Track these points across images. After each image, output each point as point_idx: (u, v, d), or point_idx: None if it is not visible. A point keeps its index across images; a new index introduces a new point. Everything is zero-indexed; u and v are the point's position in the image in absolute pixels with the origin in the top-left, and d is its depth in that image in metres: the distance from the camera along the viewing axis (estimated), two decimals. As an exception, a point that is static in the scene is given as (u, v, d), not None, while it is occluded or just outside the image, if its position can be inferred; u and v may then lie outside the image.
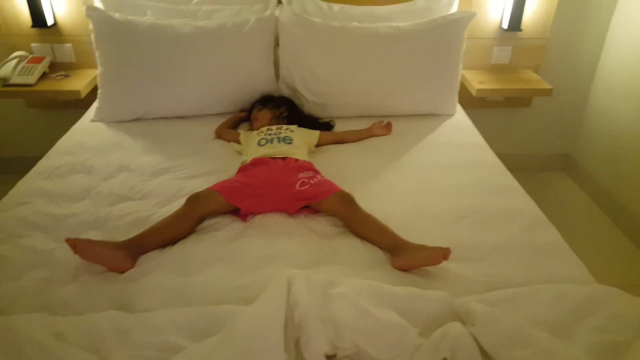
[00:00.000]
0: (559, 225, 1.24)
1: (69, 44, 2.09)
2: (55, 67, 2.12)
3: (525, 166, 2.53)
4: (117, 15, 1.77)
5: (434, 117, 1.85)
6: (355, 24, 1.81)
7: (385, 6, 1.96)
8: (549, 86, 2.03)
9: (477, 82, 2.05)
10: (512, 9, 1.99)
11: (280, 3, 1.92)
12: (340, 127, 1.77)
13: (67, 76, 2.07)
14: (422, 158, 1.58)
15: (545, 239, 1.22)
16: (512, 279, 1.06)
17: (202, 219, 1.25)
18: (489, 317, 0.86)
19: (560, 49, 2.25)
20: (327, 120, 1.78)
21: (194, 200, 1.23)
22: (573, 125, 2.47)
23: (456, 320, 0.89)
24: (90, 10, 1.74)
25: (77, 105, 2.00)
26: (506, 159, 2.55)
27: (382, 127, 1.74)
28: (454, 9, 1.95)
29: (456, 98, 1.89)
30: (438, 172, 1.50)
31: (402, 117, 1.84)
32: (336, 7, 1.94)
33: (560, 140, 2.51)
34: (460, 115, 1.89)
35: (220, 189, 1.27)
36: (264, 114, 1.67)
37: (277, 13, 1.82)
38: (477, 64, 2.18)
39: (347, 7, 1.95)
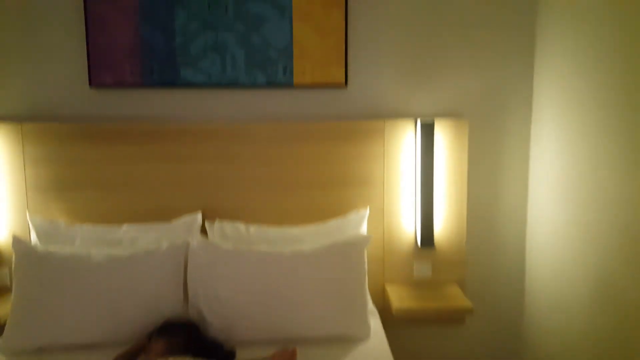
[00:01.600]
0: None
1: (6, 270, 2.18)
2: (-9, 291, 2.18)
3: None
4: (39, 247, 1.89)
5: (345, 342, 1.75)
6: (262, 248, 1.88)
7: (299, 227, 2.07)
8: (469, 304, 1.96)
9: (398, 299, 2.01)
10: (421, 227, 2.08)
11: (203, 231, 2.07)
12: (245, 352, 1.67)
13: (-5, 301, 2.10)
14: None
15: None
16: None
17: None
18: None
19: (483, 263, 2.25)
20: (229, 349, 1.70)
21: None
22: (516, 341, 2.30)
23: None
24: (16, 241, 1.86)
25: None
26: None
27: (283, 355, 1.63)
28: (364, 228, 2.05)
29: (367, 319, 1.81)
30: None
31: (310, 342, 1.74)
32: (253, 228, 2.06)
33: (508, 357, 2.31)
34: (376, 340, 1.77)
35: None
36: (157, 346, 1.60)
37: (190, 239, 1.93)
38: (401, 278, 2.17)
39: (264, 228, 2.06)
